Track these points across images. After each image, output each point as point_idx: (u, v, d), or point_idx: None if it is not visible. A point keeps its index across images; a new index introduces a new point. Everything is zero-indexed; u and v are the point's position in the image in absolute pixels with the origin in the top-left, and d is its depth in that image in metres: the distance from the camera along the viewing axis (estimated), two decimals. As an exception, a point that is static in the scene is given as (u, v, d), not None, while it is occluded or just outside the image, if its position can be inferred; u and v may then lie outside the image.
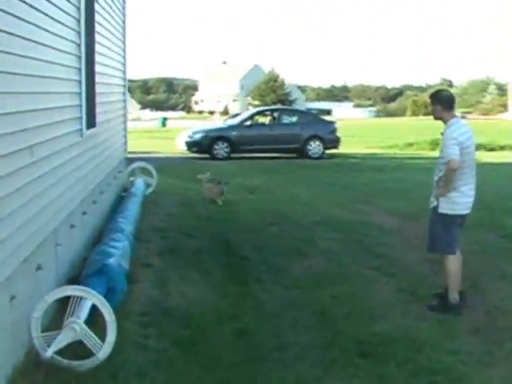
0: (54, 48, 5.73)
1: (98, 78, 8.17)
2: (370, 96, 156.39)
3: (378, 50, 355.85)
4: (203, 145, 22.96)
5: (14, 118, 4.37)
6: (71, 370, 4.78)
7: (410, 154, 27.65)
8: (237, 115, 28.50)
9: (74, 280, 6.21)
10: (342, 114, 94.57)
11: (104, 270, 5.95)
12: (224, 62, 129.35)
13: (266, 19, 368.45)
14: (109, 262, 6.04)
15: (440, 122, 6.71)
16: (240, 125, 23.93)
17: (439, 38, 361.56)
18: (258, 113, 26.43)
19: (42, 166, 5.27)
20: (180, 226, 10.20)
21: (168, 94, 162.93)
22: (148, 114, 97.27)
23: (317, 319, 6.39)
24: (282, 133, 23.56)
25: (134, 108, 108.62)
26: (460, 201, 6.50)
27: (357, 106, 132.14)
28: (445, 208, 6.50)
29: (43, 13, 5.24)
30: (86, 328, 4.87)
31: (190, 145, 23.45)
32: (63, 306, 5.12)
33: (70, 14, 6.40)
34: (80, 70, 6.98)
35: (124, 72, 11.82)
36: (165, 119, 59.87)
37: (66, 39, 6.27)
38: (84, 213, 7.41)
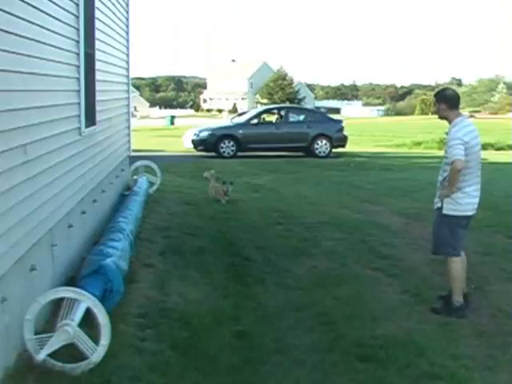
0: (49, 45, 5.62)
1: (98, 76, 8.07)
2: (379, 95, 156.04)
3: (388, 48, 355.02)
4: (209, 143, 22.83)
5: (5, 116, 4.27)
6: (64, 373, 4.69)
7: (418, 153, 27.49)
8: (243, 113, 28.35)
9: (71, 281, 6.14)
10: (351, 113, 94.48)
11: (101, 271, 5.85)
12: (233, 60, 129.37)
13: (276, 17, 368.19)
14: (106, 263, 5.94)
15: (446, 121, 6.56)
16: (247, 123, 23.77)
17: (449, 36, 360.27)
18: (265, 111, 26.27)
19: (37, 165, 5.17)
20: (183, 225, 10.11)
21: (177, 92, 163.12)
22: (157, 111, 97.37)
23: (318, 321, 6.27)
24: (289, 131, 23.40)
25: (142, 106, 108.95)
26: (465, 201, 6.36)
27: (366, 104, 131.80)
28: (449, 209, 6.37)
29: (38, 9, 5.13)
30: (80, 331, 4.78)
31: (197, 143, 23.32)
32: (60, 307, 5.03)
33: (67, 10, 6.29)
34: (78, 67, 6.88)
35: (127, 70, 11.70)
36: (173, 117, 59.92)
37: (63, 36, 6.15)
38: (83, 212, 7.31)
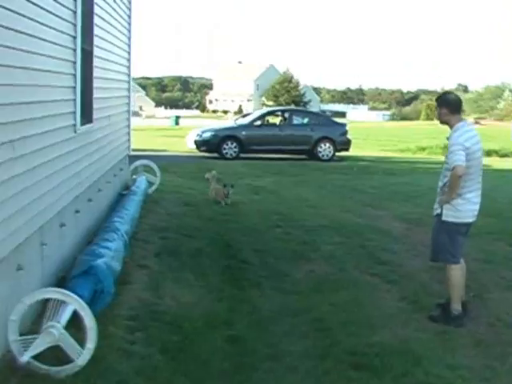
0: (42, 39, 5.50)
1: (96, 73, 7.96)
2: (385, 99, 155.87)
3: (394, 53, 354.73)
4: (212, 144, 22.70)
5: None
6: (48, 376, 4.58)
7: (422, 158, 27.32)
8: (247, 115, 28.23)
9: (62, 281, 6.03)
10: (357, 117, 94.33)
11: (91, 272, 5.74)
12: (239, 62, 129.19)
13: (284, 20, 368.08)
14: (96, 263, 5.83)
15: None
16: (250, 124, 23.64)
17: (456, 43, 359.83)
18: (269, 113, 26.15)
19: (26, 162, 5.05)
20: (181, 227, 9.99)
21: (183, 93, 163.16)
22: (162, 111, 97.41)
23: (313, 327, 6.15)
24: (292, 134, 23.26)
25: (148, 105, 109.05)
26: (465, 208, 6.22)
27: (372, 108, 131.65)
28: (449, 216, 6.23)
29: (29, 1, 5.01)
30: (66, 333, 4.66)
31: (199, 144, 23.19)
32: (47, 308, 4.91)
33: (63, 5, 6.16)
34: (75, 63, 6.75)
35: (129, 68, 11.58)
36: (178, 117, 59.86)
37: (58, 30, 6.03)
38: (77, 211, 7.19)
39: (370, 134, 44.00)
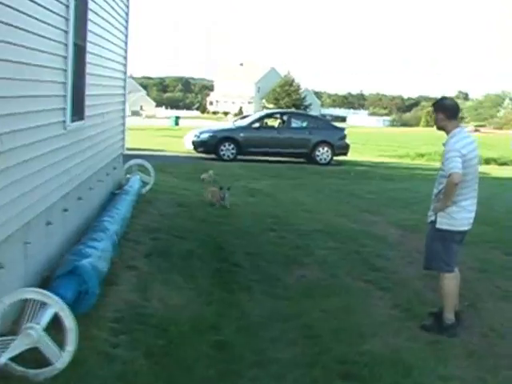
0: (32, 32, 5.37)
1: (89, 69, 7.82)
2: (386, 105, 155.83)
3: (396, 60, 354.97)
4: (210, 145, 22.55)
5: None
6: (26, 379, 4.44)
7: (421, 164, 27.21)
8: (246, 117, 28.09)
9: (47, 280, 5.88)
10: (357, 122, 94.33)
11: (76, 272, 5.60)
12: (241, 64, 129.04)
13: (286, 23, 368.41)
14: (81, 264, 5.68)
15: None
16: (248, 126, 23.48)
17: (458, 50, 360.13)
18: (268, 115, 26.03)
19: (11, 158, 4.91)
20: (173, 228, 9.84)
21: (184, 93, 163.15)
22: (163, 111, 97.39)
23: (303, 334, 6.01)
24: (291, 137, 23.11)
25: (149, 105, 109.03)
26: (460, 216, 6.08)
27: (372, 114, 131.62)
28: (443, 223, 6.09)
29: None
30: (45, 335, 4.52)
31: (197, 144, 23.05)
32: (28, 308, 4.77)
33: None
34: (66, 58, 6.61)
35: (125, 66, 11.43)
36: (177, 118, 59.95)
37: (48, 24, 5.88)
38: (65, 210, 7.04)
39: (369, 139, 43.92)
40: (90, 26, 7.71)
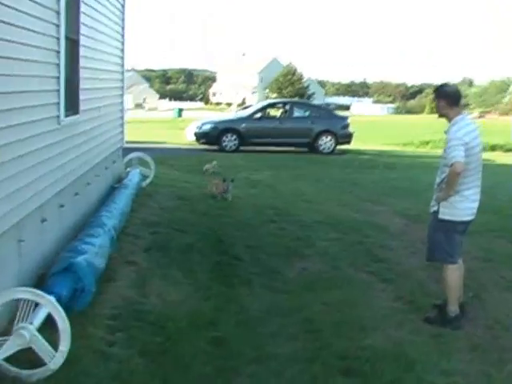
0: (21, 27, 5.24)
1: (83, 63, 7.68)
2: (390, 93, 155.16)
3: (400, 47, 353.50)
4: (212, 136, 22.41)
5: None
6: (20, 379, 4.37)
7: (425, 152, 27.03)
8: (248, 107, 27.91)
9: (42, 278, 5.78)
10: (361, 110, 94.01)
11: (71, 269, 5.51)
12: (243, 54, 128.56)
13: (288, 12, 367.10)
14: (77, 261, 5.59)
15: None
16: (250, 117, 23.28)
17: (462, 36, 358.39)
18: (269, 105, 25.80)
19: (4, 153, 4.80)
20: (173, 221, 9.72)
21: (187, 85, 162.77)
22: (166, 104, 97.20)
23: (303, 329, 5.90)
24: (293, 126, 22.95)
25: (152, 98, 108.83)
26: (463, 206, 5.94)
27: (376, 102, 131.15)
28: (446, 213, 5.95)
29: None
30: (38, 335, 4.43)
31: (199, 136, 22.92)
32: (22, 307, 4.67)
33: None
34: (58, 52, 6.48)
35: (122, 58, 11.28)
36: (180, 110, 59.84)
37: (38, 18, 5.74)
38: (61, 206, 6.93)
39: (373, 128, 43.71)
40: (82, 18, 7.57)
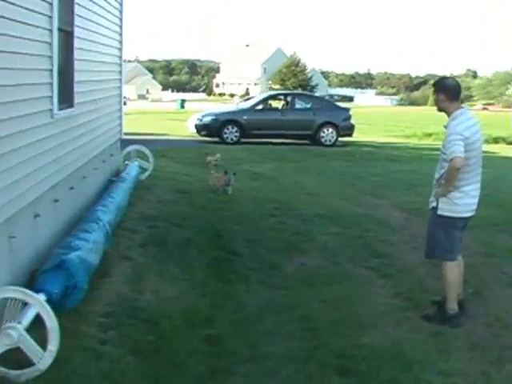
0: (11, 19, 5.13)
1: (78, 55, 7.57)
2: (394, 84, 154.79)
3: (404, 38, 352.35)
4: (213, 128, 22.24)
5: None
6: (8, 380, 4.29)
7: (428, 144, 26.84)
8: (249, 98, 27.75)
9: (36, 275, 5.68)
10: (364, 101, 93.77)
11: (63, 266, 5.41)
12: (247, 45, 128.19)
13: (293, 2, 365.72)
14: (69, 257, 5.49)
15: None
16: (251, 109, 23.12)
17: (466, 27, 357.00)
18: (271, 97, 25.61)
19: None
20: (171, 215, 9.63)
21: (190, 76, 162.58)
22: (169, 95, 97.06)
23: (300, 326, 5.79)
24: (295, 118, 22.76)
25: (155, 89, 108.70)
26: (462, 202, 5.82)
27: (379, 93, 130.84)
28: (445, 209, 5.83)
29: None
30: (26, 334, 4.34)
31: (200, 128, 22.77)
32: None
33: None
34: (51, 44, 6.36)
35: (120, 50, 11.16)
36: (183, 101, 59.65)
37: (30, 10, 5.63)
38: (56, 200, 6.83)
39: (376, 119, 43.54)
40: (77, 9, 7.44)
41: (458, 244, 6.07)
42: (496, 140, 27.63)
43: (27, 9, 5.57)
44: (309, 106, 23.88)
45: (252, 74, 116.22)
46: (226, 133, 22.06)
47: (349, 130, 23.49)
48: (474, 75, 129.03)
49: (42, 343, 4.43)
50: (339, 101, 60.58)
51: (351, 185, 14.31)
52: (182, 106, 56.68)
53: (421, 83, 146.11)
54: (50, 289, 5.12)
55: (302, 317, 6.01)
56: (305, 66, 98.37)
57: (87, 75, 8.31)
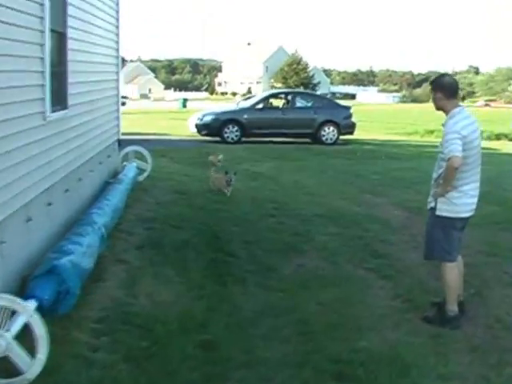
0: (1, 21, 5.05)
1: (72, 56, 7.47)
2: (396, 81, 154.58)
3: (406, 35, 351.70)
4: (213, 128, 22.13)
5: None
6: (-6, 390, 4.18)
7: (430, 141, 26.70)
8: (250, 97, 27.64)
9: (27, 280, 5.60)
10: (367, 99, 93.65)
11: (55, 271, 5.31)
12: (249, 44, 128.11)
13: (294, 1, 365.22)
14: (61, 263, 5.40)
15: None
16: (252, 108, 22.99)
17: (468, 24, 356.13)
18: (272, 96, 25.51)
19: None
20: (169, 217, 9.53)
21: (192, 75, 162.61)
22: (171, 94, 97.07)
23: (296, 330, 5.69)
24: (295, 117, 22.66)
25: (157, 88, 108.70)
26: (461, 202, 5.71)
27: (382, 90, 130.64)
28: (443, 210, 5.73)
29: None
30: (14, 343, 4.25)
31: (200, 127, 22.66)
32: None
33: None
34: (43, 45, 6.26)
35: (117, 50, 11.06)
36: (185, 100, 59.68)
37: (19, 11, 5.54)
38: (50, 203, 6.74)
39: (378, 117, 43.40)
40: (70, 10, 7.35)
41: (457, 245, 5.96)
42: (498, 136, 27.51)
43: (17, 10, 5.48)
44: (309, 104, 23.76)
45: (254, 72, 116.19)
46: (226, 132, 21.95)
47: (350, 128, 23.37)
48: (476, 71, 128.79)
49: (32, 351, 4.35)
50: (341, 98, 60.58)
51: (350, 183, 14.21)
52: (184, 105, 56.69)
53: (423, 80, 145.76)
54: (40, 295, 5.03)
55: (298, 320, 5.91)
56: (306, 64, 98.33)
57: (82, 76, 8.21)
